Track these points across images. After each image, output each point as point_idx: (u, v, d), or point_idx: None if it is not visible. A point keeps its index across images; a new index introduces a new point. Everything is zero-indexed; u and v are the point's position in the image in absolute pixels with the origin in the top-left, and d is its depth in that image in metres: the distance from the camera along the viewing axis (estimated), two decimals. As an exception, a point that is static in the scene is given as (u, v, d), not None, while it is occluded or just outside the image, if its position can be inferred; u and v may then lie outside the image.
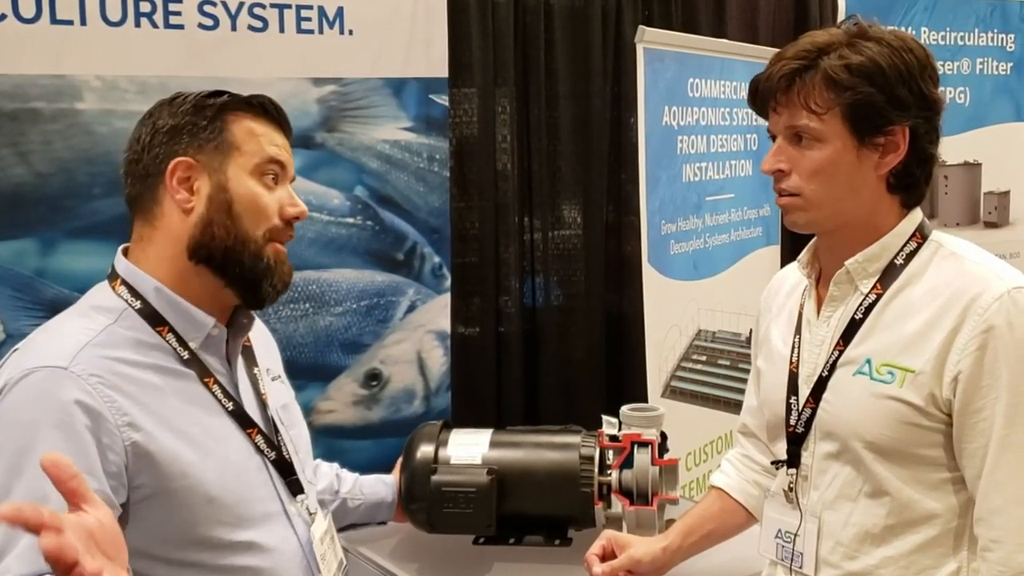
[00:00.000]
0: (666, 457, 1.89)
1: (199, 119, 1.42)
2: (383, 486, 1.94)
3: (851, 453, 1.44)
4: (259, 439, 1.46)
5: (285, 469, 1.49)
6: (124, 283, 1.42)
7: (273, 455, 1.47)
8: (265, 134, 1.45)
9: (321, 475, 1.88)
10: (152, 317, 1.40)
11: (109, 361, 1.33)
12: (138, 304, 1.40)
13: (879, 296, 1.44)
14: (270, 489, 1.46)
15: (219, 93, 1.46)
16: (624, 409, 1.96)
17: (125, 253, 1.45)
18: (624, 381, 3.36)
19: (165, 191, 1.41)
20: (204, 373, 1.42)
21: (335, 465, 1.94)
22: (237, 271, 1.41)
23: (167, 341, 1.40)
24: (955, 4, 3.63)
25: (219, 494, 1.37)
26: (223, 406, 1.43)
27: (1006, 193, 3.79)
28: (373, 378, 2.65)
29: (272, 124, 1.47)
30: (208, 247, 1.40)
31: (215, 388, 1.43)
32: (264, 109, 1.46)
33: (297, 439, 1.57)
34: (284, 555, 1.45)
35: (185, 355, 1.41)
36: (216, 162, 1.41)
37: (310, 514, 1.51)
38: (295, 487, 1.50)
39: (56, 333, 1.37)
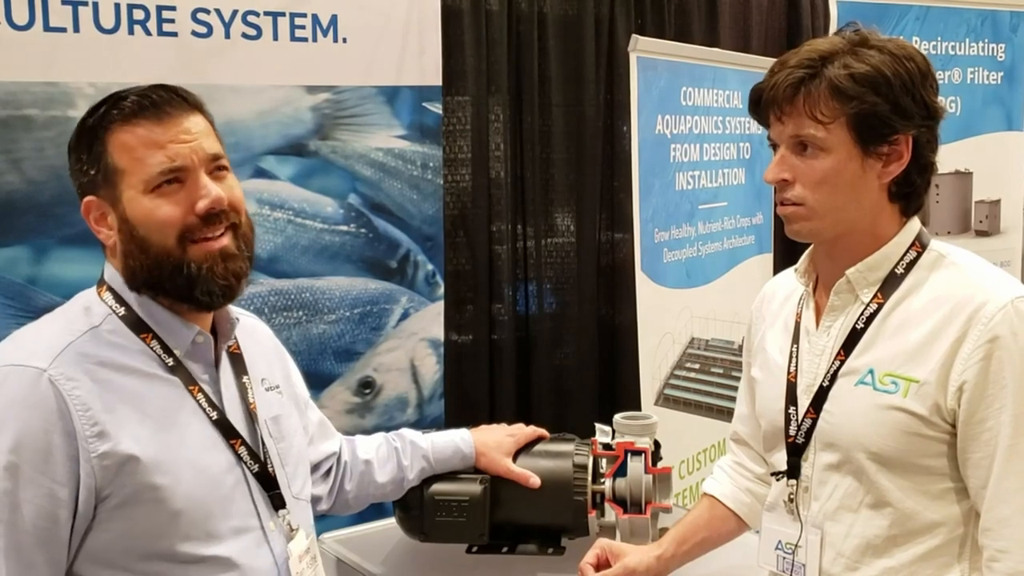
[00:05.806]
0: (660, 465, 1.88)
1: (82, 153, 1.38)
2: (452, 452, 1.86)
3: (853, 464, 1.43)
4: (242, 450, 1.43)
5: (267, 483, 1.46)
6: (110, 289, 1.40)
7: (256, 468, 1.44)
8: (143, 143, 1.34)
9: (381, 461, 1.82)
10: (136, 324, 1.38)
11: (90, 364, 1.31)
12: (122, 311, 1.38)
13: (880, 306, 1.44)
14: (247, 503, 1.43)
15: (98, 107, 1.39)
16: (617, 417, 1.96)
17: None
18: (617, 389, 3.36)
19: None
20: (189, 381, 1.40)
21: (397, 442, 1.85)
22: (168, 288, 1.37)
23: (151, 348, 1.38)
24: (946, 14, 3.64)
25: (186, 507, 1.34)
26: (207, 415, 1.40)
27: (997, 202, 3.80)
28: (366, 386, 2.64)
29: (151, 120, 1.35)
30: (136, 276, 1.37)
31: (199, 397, 1.40)
32: (140, 107, 1.35)
33: (286, 452, 1.52)
34: (256, 572, 1.42)
35: (170, 362, 1.38)
36: (111, 193, 1.36)
37: (291, 530, 1.48)
38: (277, 501, 1.47)
39: (42, 331, 1.36)
